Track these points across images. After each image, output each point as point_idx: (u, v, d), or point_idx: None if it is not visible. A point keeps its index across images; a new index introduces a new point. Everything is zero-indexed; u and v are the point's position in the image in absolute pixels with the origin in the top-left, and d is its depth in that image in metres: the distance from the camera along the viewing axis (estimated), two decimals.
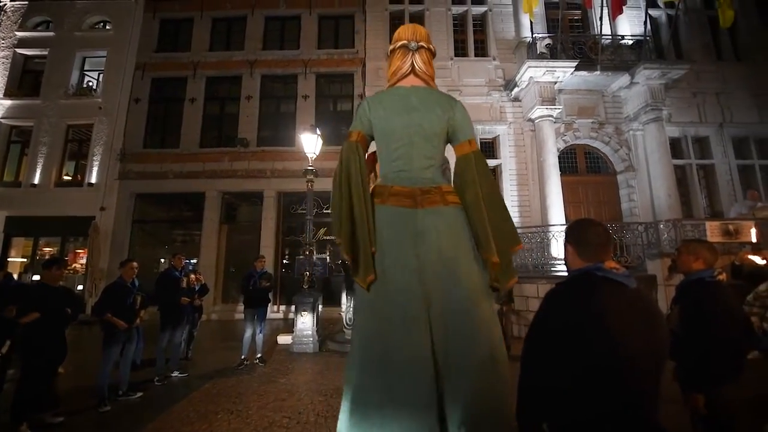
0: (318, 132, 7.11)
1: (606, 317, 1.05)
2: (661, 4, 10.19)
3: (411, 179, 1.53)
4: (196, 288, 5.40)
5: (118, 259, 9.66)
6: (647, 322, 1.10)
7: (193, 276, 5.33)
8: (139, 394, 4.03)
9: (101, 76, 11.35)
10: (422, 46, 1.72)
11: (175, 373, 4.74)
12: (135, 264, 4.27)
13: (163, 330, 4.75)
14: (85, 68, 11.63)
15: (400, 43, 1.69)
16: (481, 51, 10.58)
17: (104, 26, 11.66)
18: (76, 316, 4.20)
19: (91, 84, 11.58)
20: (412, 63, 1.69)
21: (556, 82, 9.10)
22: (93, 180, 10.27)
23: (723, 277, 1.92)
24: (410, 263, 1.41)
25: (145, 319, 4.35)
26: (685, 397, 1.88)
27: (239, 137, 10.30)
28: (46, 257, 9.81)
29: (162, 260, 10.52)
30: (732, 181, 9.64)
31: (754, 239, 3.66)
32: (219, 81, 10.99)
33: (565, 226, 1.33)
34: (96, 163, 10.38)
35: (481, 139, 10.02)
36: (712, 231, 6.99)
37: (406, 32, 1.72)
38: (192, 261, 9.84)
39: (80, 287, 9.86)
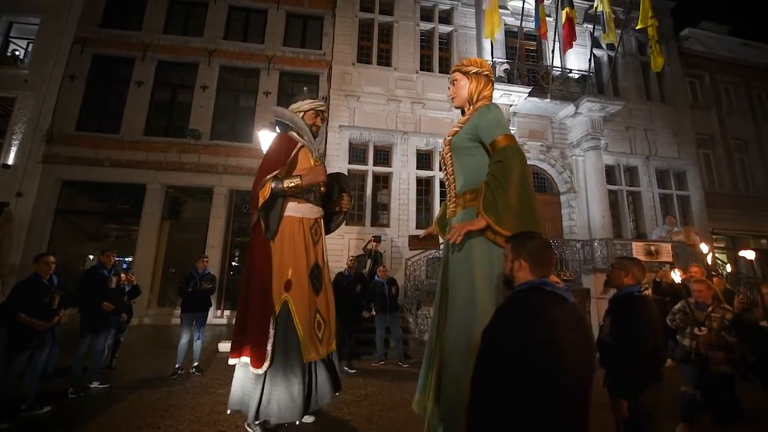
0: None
1: (557, 332, 1.07)
2: (603, 45, 11.33)
3: None
4: (126, 289, 4.90)
5: (35, 254, 8.43)
6: (584, 336, 1.15)
7: (123, 276, 4.82)
8: (48, 408, 3.51)
9: (30, 45, 10.07)
10: None
11: (95, 384, 4.22)
12: (52, 258, 3.77)
13: (83, 335, 4.22)
14: (11, 35, 10.26)
15: (491, 78, 2.02)
16: (446, 68, 10.97)
17: None
18: None
19: (17, 53, 10.22)
20: None
21: (511, 105, 9.70)
22: (10, 161, 8.99)
23: (648, 292, 2.11)
24: None
25: (63, 321, 3.84)
26: (613, 401, 2.02)
27: (190, 128, 9.64)
28: None
29: (90, 257, 9.44)
30: (654, 207, 10.86)
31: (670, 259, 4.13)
32: (172, 66, 10.24)
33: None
34: (15, 143, 9.11)
35: (440, 152, 10.32)
36: (637, 250, 7.78)
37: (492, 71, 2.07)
38: (126, 259, 8.95)
39: None
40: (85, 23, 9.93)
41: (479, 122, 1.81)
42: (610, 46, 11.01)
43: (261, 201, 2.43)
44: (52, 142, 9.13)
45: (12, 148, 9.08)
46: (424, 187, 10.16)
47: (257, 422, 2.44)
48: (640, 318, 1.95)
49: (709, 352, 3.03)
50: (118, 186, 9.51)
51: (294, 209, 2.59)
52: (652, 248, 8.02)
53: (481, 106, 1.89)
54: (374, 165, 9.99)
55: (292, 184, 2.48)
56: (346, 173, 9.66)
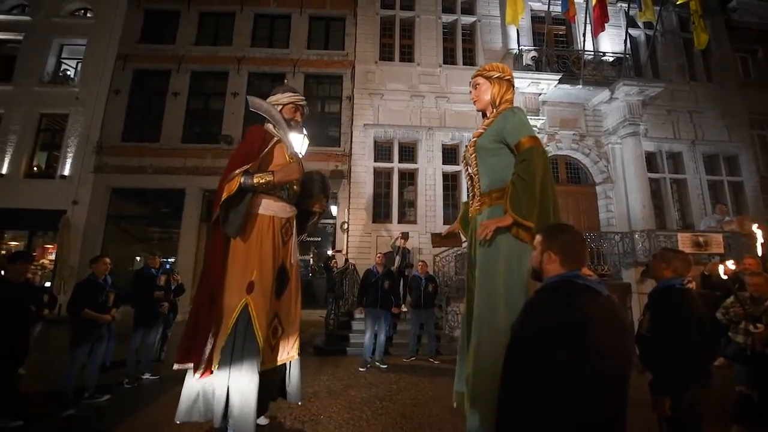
0: (305, 132, 7.03)
1: (589, 326, 1.03)
2: (640, 24, 10.64)
3: None
4: (173, 287, 5.24)
5: (90, 256, 9.22)
6: (620, 330, 1.11)
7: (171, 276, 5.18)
8: (107, 396, 3.85)
9: (79, 65, 10.93)
10: None
11: (147, 375, 4.56)
12: (107, 260, 4.09)
13: (136, 329, 4.57)
14: (63, 56, 11.17)
15: (512, 82, 2.09)
16: (470, 60, 10.75)
17: (85, 14, 11.25)
18: (40, 313, 4.00)
19: (68, 72, 11.12)
20: None
21: (540, 94, 9.35)
22: (66, 172, 9.83)
23: (692, 285, 1.98)
24: None
25: (118, 318, 4.18)
26: (653, 399, 1.93)
27: (223, 134, 10.09)
28: (12, 251, 9.31)
29: (138, 258, 10.15)
30: (702, 195, 10.10)
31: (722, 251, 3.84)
32: (204, 76, 10.76)
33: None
34: (70, 155, 9.95)
35: (466, 146, 10.14)
36: (684, 242, 7.30)
37: None
38: (169, 260, 9.53)
39: (47, 284, 9.39)
40: (125, 41, 10.64)
41: (505, 125, 1.90)
42: (648, 25, 10.32)
43: (225, 195, 2.21)
44: (101, 153, 9.89)
45: (67, 160, 9.92)
46: (450, 182, 10.03)
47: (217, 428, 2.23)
48: (682, 312, 1.84)
49: (767, 350, 2.80)
50: (160, 191, 10.15)
51: (265, 207, 2.41)
52: (701, 239, 7.48)
53: (504, 109, 1.98)
54: (399, 162, 9.99)
55: (263, 180, 2.30)
56: (371, 171, 9.76)
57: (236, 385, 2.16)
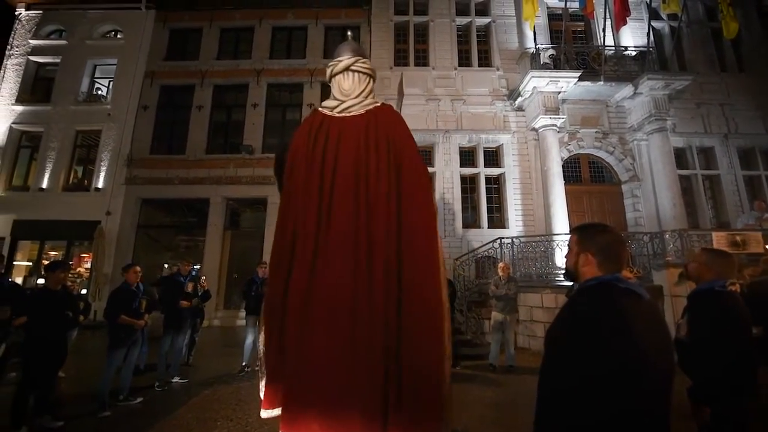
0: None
1: (633, 331, 0.99)
2: (663, 16, 10.28)
3: None
4: (200, 293, 5.42)
5: (123, 264, 9.70)
6: (662, 336, 1.06)
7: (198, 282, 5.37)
8: (140, 399, 4.01)
9: (111, 83, 11.56)
10: None
11: (176, 379, 4.72)
12: (138, 269, 4.29)
13: (165, 334, 4.75)
14: (96, 76, 11.86)
15: None
16: (485, 61, 10.68)
17: (115, 35, 11.91)
18: (77, 319, 4.22)
19: (100, 91, 11.79)
20: None
21: (559, 92, 9.15)
22: (100, 185, 10.38)
23: (736, 288, 1.87)
24: None
25: (149, 324, 4.36)
26: (694, 408, 1.83)
27: (244, 144, 10.41)
28: (51, 261, 9.87)
29: (165, 265, 10.54)
30: (738, 191, 9.56)
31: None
32: (226, 89, 11.15)
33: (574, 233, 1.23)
34: (103, 169, 10.51)
35: (484, 148, 10.05)
36: (719, 241, 6.91)
37: None
38: (195, 267, 9.86)
39: (84, 291, 9.89)
40: (152, 59, 11.19)
41: None
42: (672, 17, 9.95)
43: None
44: (131, 165, 10.39)
45: (101, 173, 10.48)
46: (468, 184, 9.94)
47: None
48: (721, 316, 1.74)
49: None
50: (186, 201, 10.55)
51: None
52: (738, 238, 7.05)
53: None
54: None
55: None
56: None
57: None
